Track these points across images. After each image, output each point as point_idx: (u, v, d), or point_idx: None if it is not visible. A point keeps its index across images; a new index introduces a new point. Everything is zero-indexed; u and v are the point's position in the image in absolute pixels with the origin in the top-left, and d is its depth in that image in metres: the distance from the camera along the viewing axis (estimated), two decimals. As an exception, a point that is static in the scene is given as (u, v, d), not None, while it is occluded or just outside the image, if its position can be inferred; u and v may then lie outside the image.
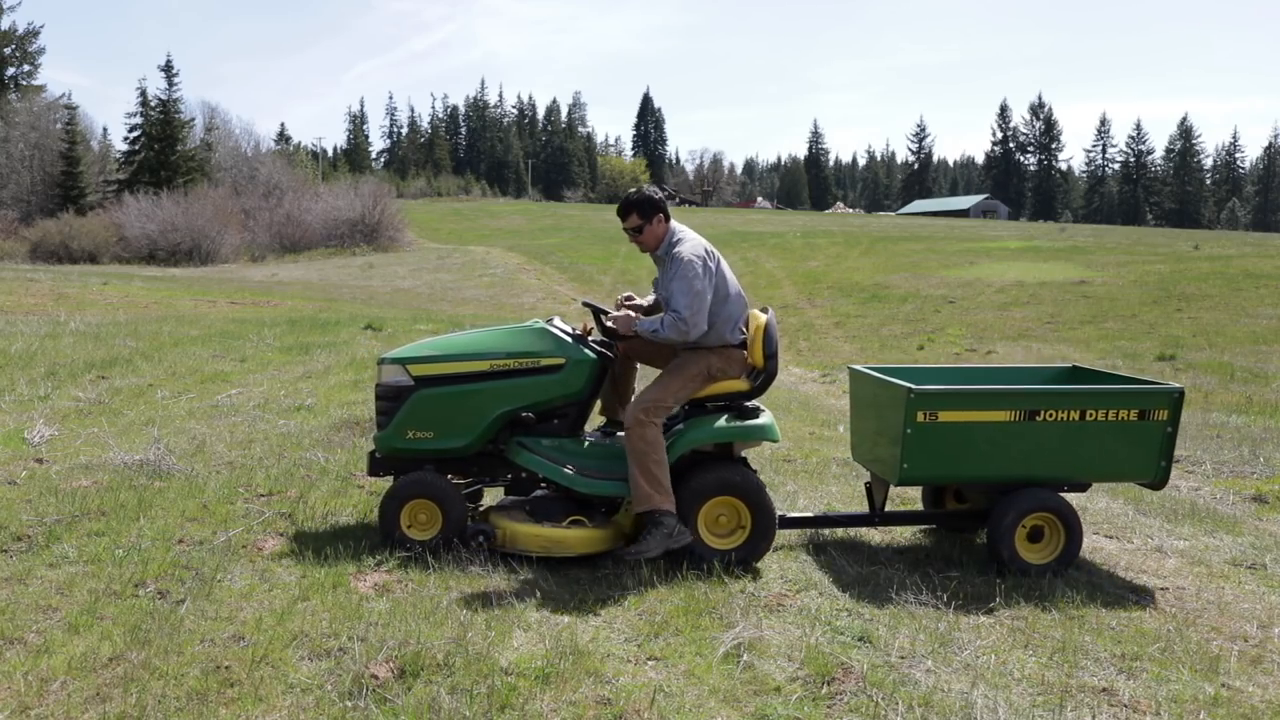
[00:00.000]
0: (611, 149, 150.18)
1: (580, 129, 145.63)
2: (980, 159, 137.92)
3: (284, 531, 4.67)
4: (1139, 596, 4.25)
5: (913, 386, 4.36)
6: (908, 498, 5.68)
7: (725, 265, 4.60)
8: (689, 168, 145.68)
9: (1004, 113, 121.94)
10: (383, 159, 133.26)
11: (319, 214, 45.74)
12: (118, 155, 61.22)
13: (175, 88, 58.47)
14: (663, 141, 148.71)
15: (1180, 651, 3.62)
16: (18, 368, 8.98)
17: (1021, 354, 15.13)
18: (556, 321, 4.74)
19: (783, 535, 4.76)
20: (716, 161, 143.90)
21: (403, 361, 4.61)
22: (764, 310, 4.71)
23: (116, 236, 41.78)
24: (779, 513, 4.60)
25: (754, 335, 4.61)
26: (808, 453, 7.03)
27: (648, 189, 4.69)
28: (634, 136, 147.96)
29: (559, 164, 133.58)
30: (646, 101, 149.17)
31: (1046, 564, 4.45)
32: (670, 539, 4.29)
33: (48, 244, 40.04)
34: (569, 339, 4.59)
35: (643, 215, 4.55)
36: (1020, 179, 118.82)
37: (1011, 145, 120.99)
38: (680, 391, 4.47)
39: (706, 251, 4.52)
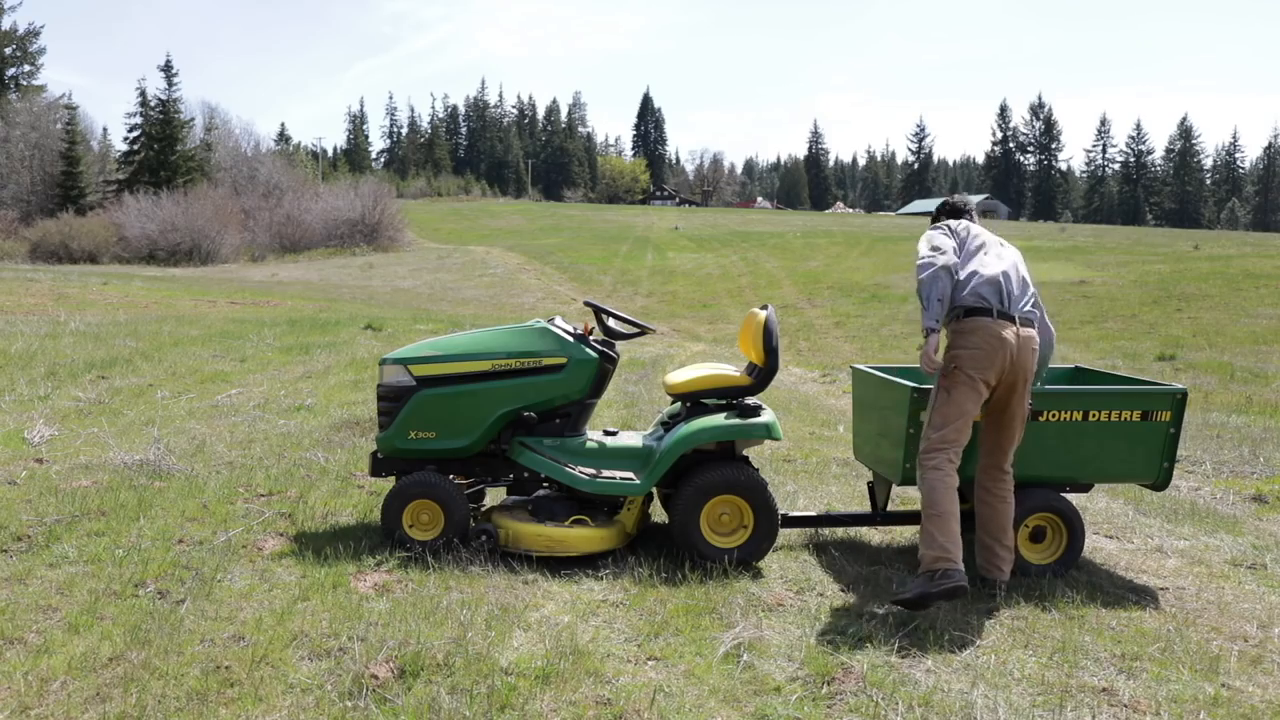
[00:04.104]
0: (611, 149, 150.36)
1: (580, 129, 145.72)
2: (980, 159, 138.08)
3: (284, 531, 4.67)
4: (1139, 596, 4.24)
5: (916, 386, 4.36)
6: (909, 498, 5.68)
7: (983, 237, 4.43)
8: (689, 168, 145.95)
9: (1004, 113, 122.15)
10: (383, 159, 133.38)
11: (319, 214, 45.81)
12: (117, 155, 61.25)
13: (175, 88, 58.64)
14: (663, 141, 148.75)
15: (1180, 651, 3.61)
16: (18, 368, 8.98)
17: (1021, 354, 15.10)
18: (558, 321, 4.74)
19: (783, 535, 4.77)
20: (716, 161, 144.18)
21: (404, 362, 4.61)
22: (763, 307, 4.71)
23: (116, 236, 41.85)
24: (780, 512, 4.59)
25: (753, 332, 4.62)
26: (808, 453, 7.03)
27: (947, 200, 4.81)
28: (634, 136, 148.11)
29: (559, 164, 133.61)
30: (646, 101, 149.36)
31: (1048, 564, 4.45)
32: (931, 582, 3.84)
33: (48, 244, 40.10)
34: (571, 338, 4.59)
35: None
36: (1020, 179, 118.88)
37: (1011, 145, 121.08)
38: (946, 409, 4.06)
39: (948, 229, 4.40)
